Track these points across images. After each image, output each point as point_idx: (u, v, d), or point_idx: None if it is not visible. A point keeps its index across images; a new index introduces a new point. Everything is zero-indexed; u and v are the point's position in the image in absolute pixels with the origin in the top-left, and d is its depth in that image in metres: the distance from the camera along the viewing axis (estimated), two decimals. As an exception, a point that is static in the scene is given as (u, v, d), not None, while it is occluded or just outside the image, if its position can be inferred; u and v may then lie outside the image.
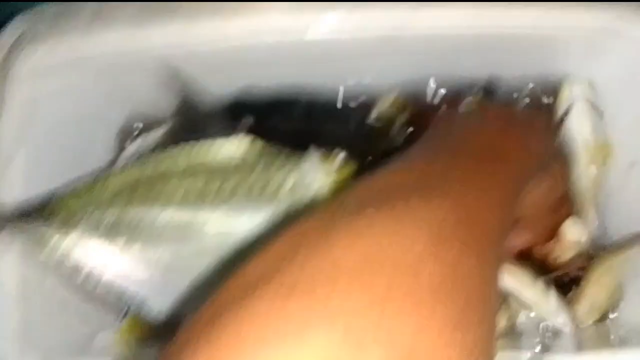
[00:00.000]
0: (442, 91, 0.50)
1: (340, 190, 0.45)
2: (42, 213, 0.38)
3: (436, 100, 0.50)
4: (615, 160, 0.46)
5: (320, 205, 0.23)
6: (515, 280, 0.41)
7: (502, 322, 0.42)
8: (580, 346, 0.39)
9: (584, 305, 0.42)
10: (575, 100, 0.45)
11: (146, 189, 0.42)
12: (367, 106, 0.51)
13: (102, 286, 0.41)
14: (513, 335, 0.42)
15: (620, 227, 0.45)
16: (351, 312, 0.17)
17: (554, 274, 0.43)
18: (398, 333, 0.17)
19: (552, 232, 0.42)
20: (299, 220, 0.22)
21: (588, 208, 0.46)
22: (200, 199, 0.43)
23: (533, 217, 0.38)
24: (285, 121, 0.51)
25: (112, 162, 0.44)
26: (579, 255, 0.44)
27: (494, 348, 0.20)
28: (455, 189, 0.24)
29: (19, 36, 0.42)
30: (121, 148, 0.52)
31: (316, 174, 0.46)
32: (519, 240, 0.40)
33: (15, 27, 0.42)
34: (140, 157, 0.45)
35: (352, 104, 0.52)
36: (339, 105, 0.52)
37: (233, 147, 0.45)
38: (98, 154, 0.50)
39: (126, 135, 0.53)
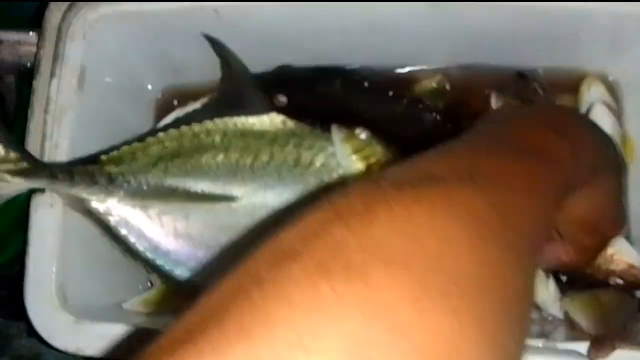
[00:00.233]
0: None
1: (371, 167, 0.46)
2: (85, 175, 0.40)
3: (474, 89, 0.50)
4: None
5: (352, 182, 0.22)
6: None
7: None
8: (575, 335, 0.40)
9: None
10: (594, 102, 0.45)
11: (182, 161, 0.44)
12: (404, 87, 0.51)
13: (135, 251, 0.44)
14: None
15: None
16: (385, 308, 0.16)
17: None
18: (433, 337, 0.16)
19: (595, 255, 0.40)
20: (330, 195, 0.20)
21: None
22: (232, 173, 0.45)
23: (576, 235, 0.35)
24: (321, 99, 0.52)
25: (152, 132, 0.46)
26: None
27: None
28: (500, 188, 0.23)
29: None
30: (159, 118, 0.54)
31: (342, 152, 0.47)
32: (558, 258, 0.37)
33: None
34: (178, 128, 0.47)
35: (389, 86, 0.52)
36: (376, 85, 0.52)
37: (266, 124, 0.47)
38: (138, 122, 0.52)
39: (164, 105, 0.55)
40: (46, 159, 0.41)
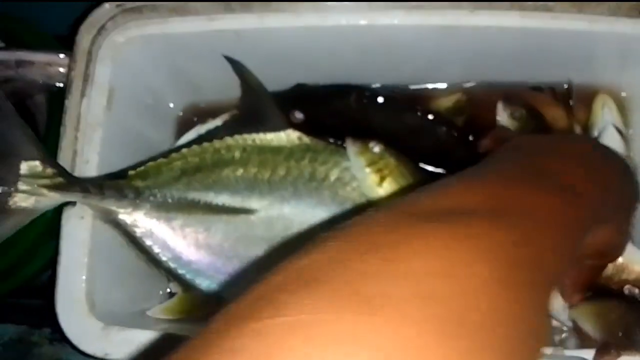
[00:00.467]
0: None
1: (385, 179, 0.48)
2: (115, 189, 0.43)
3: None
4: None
5: (377, 206, 0.23)
6: None
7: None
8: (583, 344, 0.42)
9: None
10: (607, 124, 0.47)
11: (204, 175, 0.46)
12: (419, 103, 0.53)
13: (158, 261, 0.46)
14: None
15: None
16: (396, 345, 0.16)
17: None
18: None
19: (597, 275, 0.41)
20: (359, 219, 0.20)
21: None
22: (250, 187, 0.47)
23: (581, 260, 0.35)
24: (336, 115, 0.54)
25: (176, 148, 0.48)
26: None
27: None
28: (525, 222, 0.22)
29: (106, 21, 0.47)
30: (180, 134, 0.57)
31: (356, 164, 0.49)
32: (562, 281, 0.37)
33: (103, 9, 0.47)
34: (200, 145, 0.49)
35: (404, 102, 0.54)
36: (390, 100, 0.54)
37: (283, 140, 0.49)
38: (160, 138, 0.55)
39: (185, 122, 0.57)
40: (77, 173, 0.44)
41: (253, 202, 0.47)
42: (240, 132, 0.49)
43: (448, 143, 0.52)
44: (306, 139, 0.48)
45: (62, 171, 0.40)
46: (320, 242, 0.19)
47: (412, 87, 0.54)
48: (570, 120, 0.51)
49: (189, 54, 0.50)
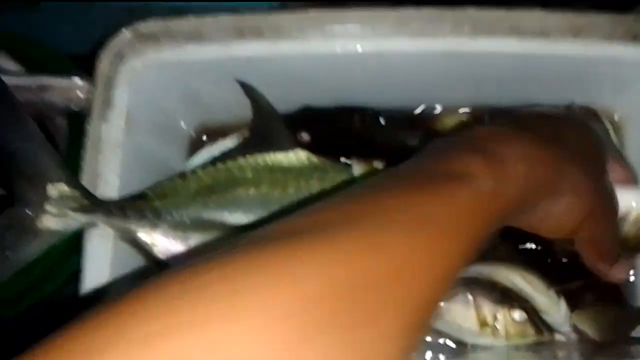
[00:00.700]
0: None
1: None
2: (135, 210, 0.45)
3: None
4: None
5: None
6: (530, 287, 0.46)
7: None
8: (585, 356, 0.44)
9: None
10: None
11: (218, 195, 0.48)
12: (423, 123, 0.56)
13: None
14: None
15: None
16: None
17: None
18: None
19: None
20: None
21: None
22: (262, 205, 0.49)
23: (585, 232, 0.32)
24: (341, 135, 0.57)
25: (192, 170, 0.50)
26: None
27: None
28: (368, 229, 0.21)
29: (124, 45, 0.49)
30: (191, 153, 0.59)
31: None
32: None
33: (121, 36, 0.50)
34: (214, 165, 0.51)
35: (407, 122, 0.57)
36: (393, 121, 0.56)
37: (292, 160, 0.51)
38: (173, 158, 0.57)
39: (196, 142, 0.60)
40: (98, 194, 0.46)
41: (265, 220, 0.49)
42: (251, 152, 0.51)
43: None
44: (314, 159, 0.51)
45: (87, 193, 0.43)
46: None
47: (415, 109, 0.56)
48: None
49: (202, 78, 0.53)
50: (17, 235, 0.40)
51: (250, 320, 0.17)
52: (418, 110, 0.56)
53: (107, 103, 0.48)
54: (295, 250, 0.20)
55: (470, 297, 0.47)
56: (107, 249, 0.44)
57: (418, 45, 0.48)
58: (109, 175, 0.47)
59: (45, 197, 0.40)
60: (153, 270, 0.47)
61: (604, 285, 0.44)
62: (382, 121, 0.57)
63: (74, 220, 0.42)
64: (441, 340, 0.48)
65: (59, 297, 0.52)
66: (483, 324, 0.46)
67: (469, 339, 0.47)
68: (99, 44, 0.77)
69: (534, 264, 0.48)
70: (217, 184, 0.49)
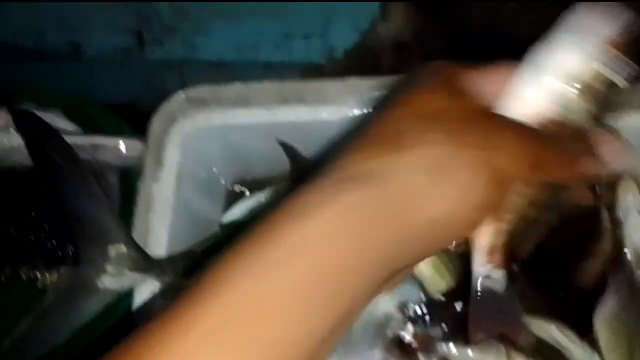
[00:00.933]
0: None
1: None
2: (183, 267, 0.47)
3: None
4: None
5: None
6: (566, 338, 0.47)
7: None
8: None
9: None
10: (629, 210, 0.51)
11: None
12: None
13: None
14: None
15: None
16: None
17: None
18: None
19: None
20: None
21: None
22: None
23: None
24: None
25: (233, 225, 0.53)
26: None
27: None
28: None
29: (176, 109, 0.53)
30: (229, 205, 0.62)
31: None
32: None
33: (174, 100, 0.53)
34: (250, 217, 0.54)
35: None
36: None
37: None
38: (213, 212, 0.60)
39: (234, 195, 0.63)
40: (149, 250, 0.48)
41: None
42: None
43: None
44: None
45: (143, 254, 0.45)
46: None
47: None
48: (596, 201, 0.55)
49: (246, 138, 0.56)
50: (79, 295, 0.42)
51: None
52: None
53: (159, 163, 0.51)
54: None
55: (503, 348, 0.48)
56: (155, 301, 0.47)
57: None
58: (159, 231, 0.49)
59: (106, 258, 0.43)
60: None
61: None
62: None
63: (130, 279, 0.44)
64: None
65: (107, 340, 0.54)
66: (516, 375, 0.47)
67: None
68: (139, 94, 0.81)
69: (565, 314, 0.49)
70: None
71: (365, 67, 0.65)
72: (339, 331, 0.23)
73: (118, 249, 0.44)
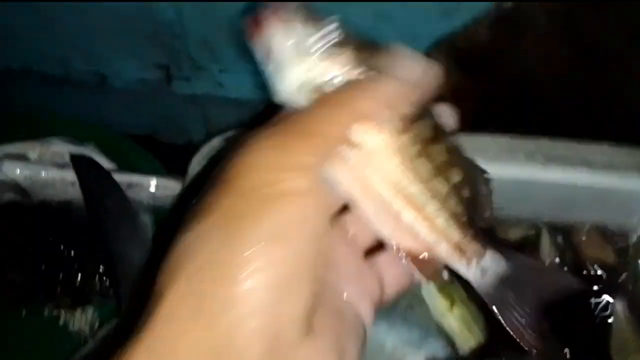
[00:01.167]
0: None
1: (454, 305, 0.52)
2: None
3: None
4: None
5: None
6: None
7: None
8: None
9: None
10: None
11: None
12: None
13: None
14: None
15: None
16: None
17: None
18: None
19: None
20: None
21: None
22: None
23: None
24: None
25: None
26: None
27: None
28: None
29: (214, 154, 0.52)
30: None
31: (428, 290, 0.53)
32: None
33: (212, 144, 0.53)
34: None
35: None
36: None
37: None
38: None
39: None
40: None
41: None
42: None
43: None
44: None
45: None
46: None
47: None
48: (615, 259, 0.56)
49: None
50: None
51: None
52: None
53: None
54: None
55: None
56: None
57: (492, 171, 0.50)
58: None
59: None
60: None
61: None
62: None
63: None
64: None
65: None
66: None
67: None
68: (158, 126, 0.81)
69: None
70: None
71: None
72: None
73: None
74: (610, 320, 0.55)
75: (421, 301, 0.56)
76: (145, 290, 0.25)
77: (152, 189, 0.54)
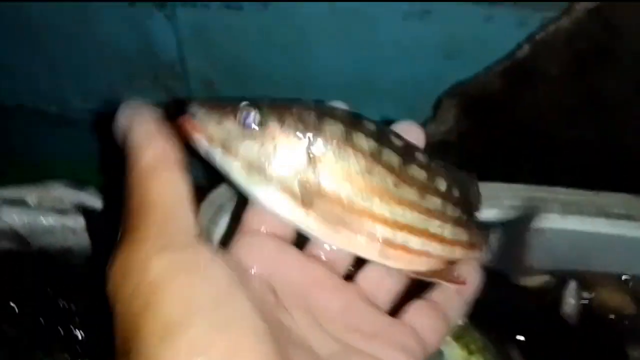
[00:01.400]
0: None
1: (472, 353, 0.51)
2: None
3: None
4: None
5: None
6: None
7: None
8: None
9: None
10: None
11: None
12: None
13: None
14: None
15: None
16: None
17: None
18: None
19: None
20: None
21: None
22: None
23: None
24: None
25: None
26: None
27: None
28: None
29: (222, 197, 0.51)
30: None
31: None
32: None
33: (219, 193, 0.51)
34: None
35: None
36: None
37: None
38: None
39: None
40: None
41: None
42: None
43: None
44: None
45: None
46: None
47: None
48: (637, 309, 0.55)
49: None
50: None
51: None
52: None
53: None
54: None
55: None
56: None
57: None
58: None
59: None
60: None
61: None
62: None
63: None
64: None
65: None
66: None
67: None
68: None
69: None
70: None
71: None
72: None
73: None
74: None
75: (438, 352, 0.54)
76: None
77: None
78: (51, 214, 0.50)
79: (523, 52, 0.51)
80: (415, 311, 0.33)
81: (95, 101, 0.83)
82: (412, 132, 0.34)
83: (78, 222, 0.50)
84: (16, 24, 0.69)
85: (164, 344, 0.23)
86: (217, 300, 0.24)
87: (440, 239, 0.33)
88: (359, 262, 0.34)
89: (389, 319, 0.32)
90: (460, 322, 0.52)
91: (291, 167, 0.30)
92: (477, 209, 0.36)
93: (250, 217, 0.32)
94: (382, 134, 0.32)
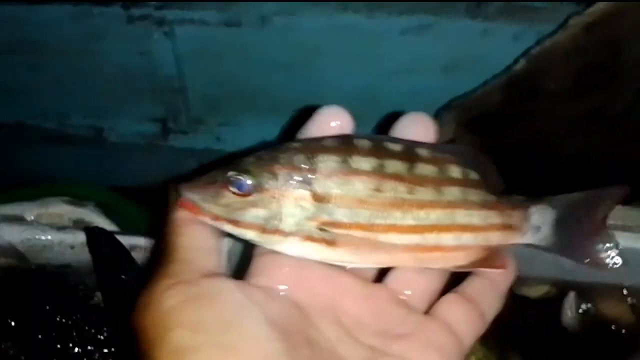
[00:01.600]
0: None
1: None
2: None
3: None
4: None
5: None
6: None
7: None
8: None
9: None
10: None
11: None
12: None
13: None
14: None
15: None
16: None
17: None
18: None
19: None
20: None
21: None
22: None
23: None
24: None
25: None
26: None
27: None
28: None
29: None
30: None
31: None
32: None
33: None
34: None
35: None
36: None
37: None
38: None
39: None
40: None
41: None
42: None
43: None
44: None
45: None
46: None
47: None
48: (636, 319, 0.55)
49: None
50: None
51: None
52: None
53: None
54: None
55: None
56: None
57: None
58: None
59: None
60: None
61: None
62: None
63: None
64: None
65: None
66: None
67: None
68: (156, 180, 0.79)
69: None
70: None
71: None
72: None
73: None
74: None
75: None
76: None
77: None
78: (50, 230, 0.50)
79: (520, 66, 0.51)
80: (448, 305, 0.32)
81: (94, 116, 0.83)
82: (421, 124, 0.33)
83: (77, 239, 0.50)
84: (16, 41, 0.70)
85: None
86: (226, 324, 0.26)
87: (472, 228, 0.32)
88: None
89: (421, 317, 0.32)
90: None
91: (302, 216, 0.30)
92: (501, 186, 0.34)
93: None
94: (378, 147, 0.31)
